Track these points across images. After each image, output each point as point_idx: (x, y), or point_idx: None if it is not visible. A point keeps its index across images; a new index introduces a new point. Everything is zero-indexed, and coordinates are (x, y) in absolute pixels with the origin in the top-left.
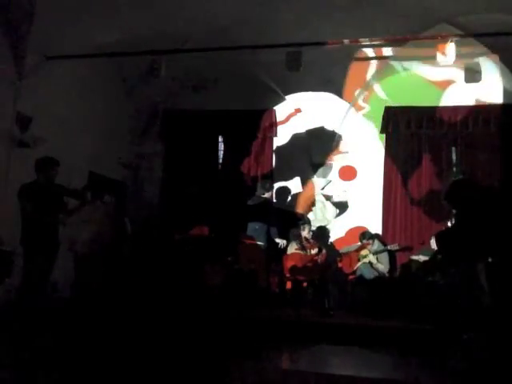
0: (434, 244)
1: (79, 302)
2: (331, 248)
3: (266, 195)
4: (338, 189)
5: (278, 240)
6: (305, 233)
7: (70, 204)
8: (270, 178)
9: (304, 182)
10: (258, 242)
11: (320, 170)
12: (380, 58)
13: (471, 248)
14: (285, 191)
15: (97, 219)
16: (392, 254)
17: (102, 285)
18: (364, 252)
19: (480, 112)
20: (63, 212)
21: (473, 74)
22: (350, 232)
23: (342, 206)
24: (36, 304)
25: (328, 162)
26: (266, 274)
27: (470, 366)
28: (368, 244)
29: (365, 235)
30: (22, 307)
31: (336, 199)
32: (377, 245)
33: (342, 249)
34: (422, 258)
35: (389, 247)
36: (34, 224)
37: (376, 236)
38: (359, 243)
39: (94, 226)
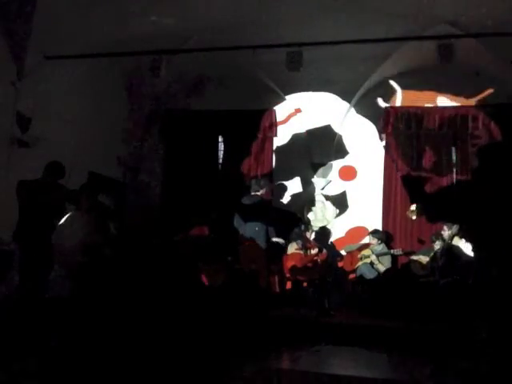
0: None
1: (78, 305)
2: (331, 248)
3: (261, 192)
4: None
5: (275, 239)
6: (307, 233)
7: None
8: (270, 177)
9: (304, 182)
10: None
11: (320, 170)
12: (380, 58)
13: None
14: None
15: (87, 225)
16: (394, 256)
17: (101, 288)
18: (366, 252)
19: (480, 112)
20: (58, 215)
21: (472, 74)
22: (350, 232)
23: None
24: (35, 304)
25: (328, 162)
26: (267, 274)
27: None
28: (371, 244)
29: (374, 234)
30: (20, 307)
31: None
32: (381, 247)
33: (346, 247)
34: (422, 258)
35: (392, 252)
36: (31, 222)
37: (384, 239)
38: (364, 240)
39: (83, 232)
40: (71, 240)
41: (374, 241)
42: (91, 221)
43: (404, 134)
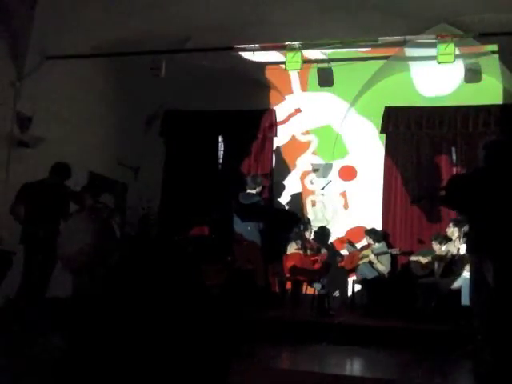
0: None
1: (79, 305)
2: (331, 248)
3: (257, 190)
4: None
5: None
6: (306, 233)
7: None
8: (270, 177)
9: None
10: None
11: (320, 170)
12: (380, 58)
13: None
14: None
15: (91, 228)
16: (393, 256)
17: (102, 290)
18: (366, 252)
19: (480, 112)
20: (63, 216)
21: (473, 74)
22: (350, 232)
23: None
24: (36, 304)
25: (328, 162)
26: (265, 273)
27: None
28: (371, 244)
29: (370, 233)
30: (21, 307)
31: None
32: (380, 246)
33: (346, 247)
34: (421, 258)
35: (390, 251)
36: (36, 223)
37: (382, 237)
38: (364, 240)
39: (87, 236)
40: (76, 243)
41: (373, 243)
42: (96, 223)
43: (404, 134)
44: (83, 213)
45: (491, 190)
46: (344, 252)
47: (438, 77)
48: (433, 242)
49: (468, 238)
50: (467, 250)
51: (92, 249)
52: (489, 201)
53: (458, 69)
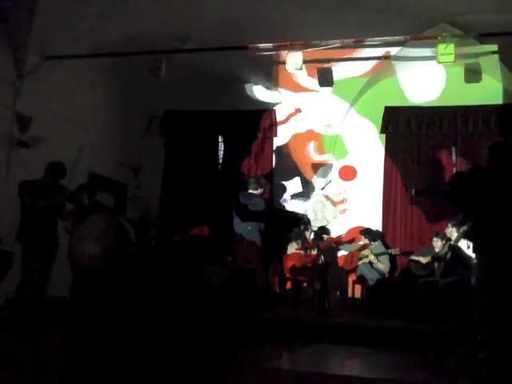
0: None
1: (80, 304)
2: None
3: (259, 191)
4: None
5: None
6: (306, 233)
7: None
8: (270, 177)
9: (304, 182)
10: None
11: (320, 170)
12: (379, 58)
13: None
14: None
15: (99, 231)
16: (393, 256)
17: (104, 289)
18: (365, 252)
19: (480, 112)
20: (60, 215)
21: (473, 74)
22: (350, 232)
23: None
24: (35, 304)
25: (328, 162)
26: (264, 273)
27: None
28: (370, 244)
29: (365, 233)
30: (20, 307)
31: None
32: (378, 247)
33: (345, 247)
34: (421, 258)
35: (390, 251)
36: (33, 222)
37: (378, 236)
38: (361, 242)
39: (96, 239)
40: (93, 244)
41: (371, 243)
42: (112, 224)
43: (404, 134)
44: (100, 214)
45: (496, 189)
46: (343, 252)
47: (438, 77)
48: (434, 239)
49: (473, 237)
50: (473, 249)
51: (111, 250)
52: (494, 200)
53: (457, 69)
